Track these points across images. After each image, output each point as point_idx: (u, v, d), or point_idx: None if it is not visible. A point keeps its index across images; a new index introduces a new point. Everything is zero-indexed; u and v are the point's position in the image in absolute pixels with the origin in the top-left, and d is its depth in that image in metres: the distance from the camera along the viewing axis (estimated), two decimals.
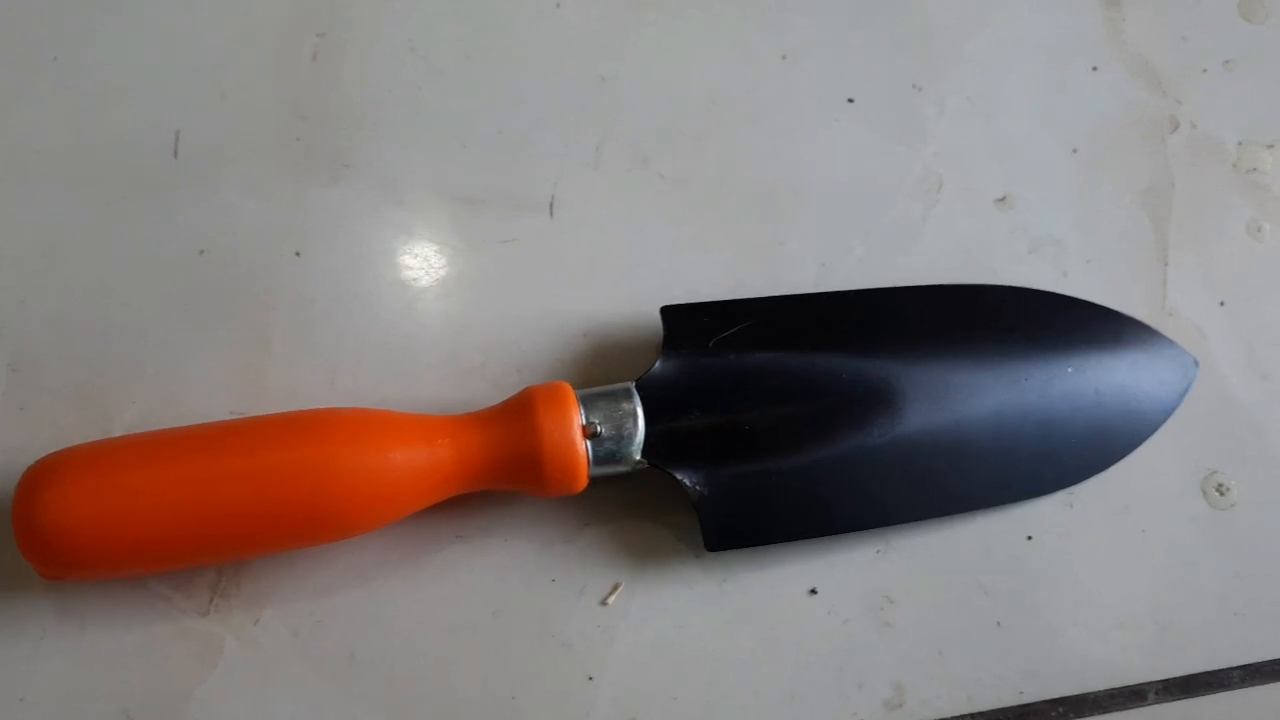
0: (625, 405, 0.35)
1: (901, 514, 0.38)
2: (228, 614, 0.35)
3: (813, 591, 0.37)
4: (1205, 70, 0.46)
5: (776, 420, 0.37)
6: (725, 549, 0.36)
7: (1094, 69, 0.46)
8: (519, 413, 0.34)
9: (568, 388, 0.34)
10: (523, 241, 0.41)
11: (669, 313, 0.37)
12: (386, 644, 0.35)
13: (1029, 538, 0.39)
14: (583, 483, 0.34)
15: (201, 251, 0.39)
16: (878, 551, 0.38)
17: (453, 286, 0.40)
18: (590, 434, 0.34)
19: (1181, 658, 0.38)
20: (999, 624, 0.38)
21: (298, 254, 0.39)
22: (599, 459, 0.34)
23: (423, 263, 0.40)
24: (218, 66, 0.41)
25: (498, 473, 0.34)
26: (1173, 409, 0.40)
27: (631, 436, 0.35)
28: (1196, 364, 0.41)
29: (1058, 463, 0.39)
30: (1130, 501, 0.40)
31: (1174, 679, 0.37)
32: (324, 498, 0.32)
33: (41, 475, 0.31)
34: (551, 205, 0.41)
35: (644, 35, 0.44)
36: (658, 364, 0.36)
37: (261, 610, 0.35)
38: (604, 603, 0.36)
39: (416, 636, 0.35)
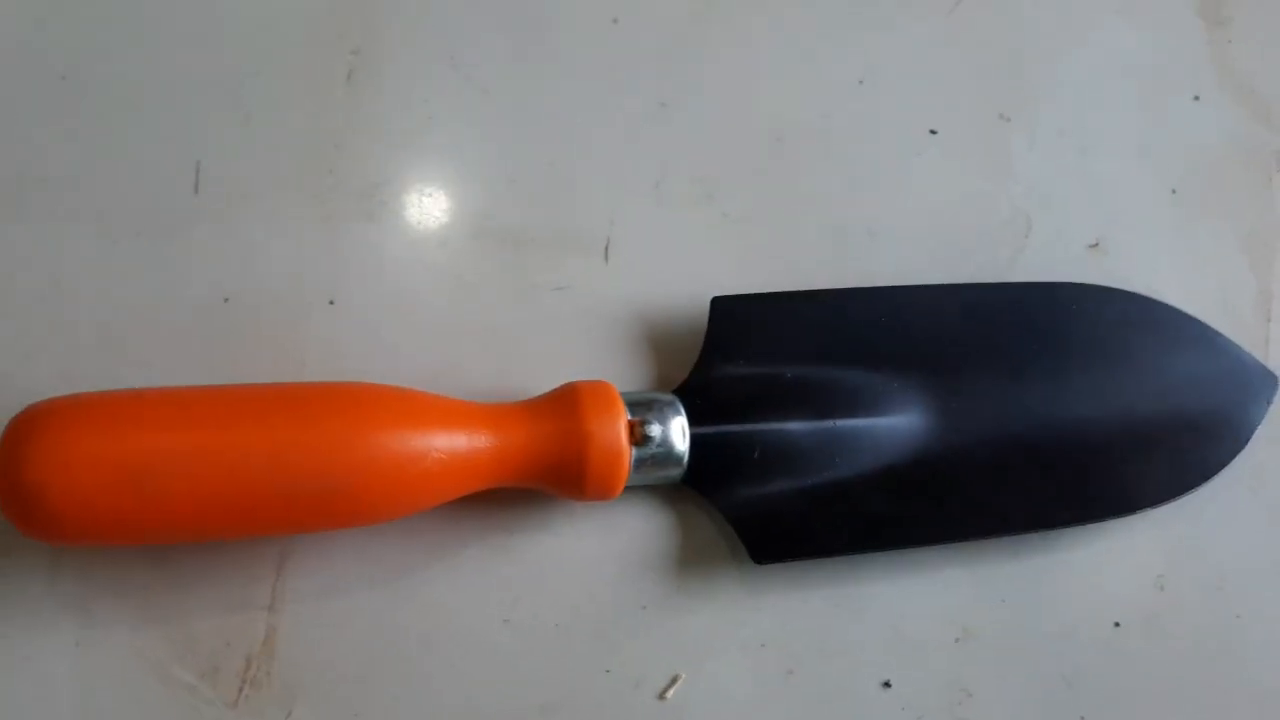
0: (671, 415, 0.33)
1: (965, 531, 0.36)
2: (259, 706, 0.33)
3: (886, 684, 0.35)
4: None
5: (823, 429, 0.35)
6: (772, 561, 0.34)
7: (1196, 98, 0.42)
8: (565, 407, 0.32)
9: (612, 387, 0.32)
10: (575, 288, 0.37)
11: (719, 304, 0.35)
12: None
13: (1116, 624, 0.36)
14: (620, 490, 0.32)
15: (226, 299, 0.36)
16: (956, 640, 0.35)
17: (499, 340, 0.37)
18: (638, 439, 0.32)
19: None
20: (1083, 718, 0.35)
21: (331, 302, 0.36)
22: (639, 467, 0.32)
23: (466, 312, 0.37)
24: (241, 88, 0.38)
25: (536, 468, 0.32)
26: (1256, 426, 0.38)
27: (675, 448, 0.33)
28: (1276, 379, 0.39)
29: (1139, 480, 0.37)
30: (1225, 582, 0.37)
31: None
32: (355, 475, 0.29)
33: (32, 421, 0.28)
34: (607, 247, 0.38)
35: (709, 56, 0.41)
36: (698, 364, 0.35)
37: (294, 702, 0.33)
38: (662, 697, 0.34)
39: None
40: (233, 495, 0.29)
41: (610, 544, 0.35)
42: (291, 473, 0.29)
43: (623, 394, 0.33)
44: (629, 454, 0.32)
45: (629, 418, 0.32)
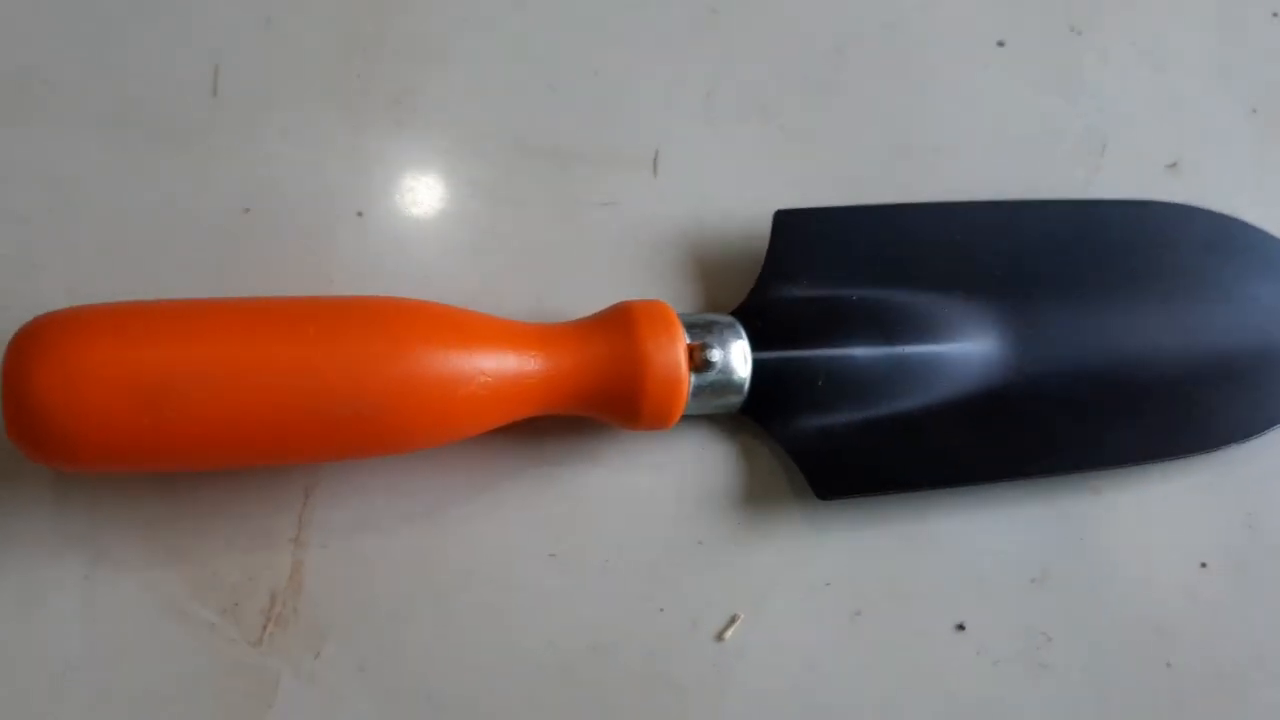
0: (731, 339, 0.31)
1: (1041, 467, 0.34)
2: (285, 644, 0.30)
3: (960, 627, 0.33)
4: None
5: (893, 355, 0.33)
6: (836, 497, 0.33)
7: (1275, 14, 0.41)
8: (619, 329, 0.30)
9: (669, 307, 0.31)
10: (622, 204, 0.35)
11: (781, 218, 0.33)
12: (468, 680, 0.31)
13: (1203, 565, 0.35)
14: (676, 418, 0.31)
15: (246, 210, 0.33)
16: (1033, 581, 0.33)
17: (540, 259, 0.35)
18: (698, 364, 0.30)
19: None
20: (1169, 665, 0.34)
21: (359, 214, 0.34)
22: (698, 395, 0.31)
23: (505, 228, 0.35)
24: None
25: (589, 394, 0.30)
26: None
27: (736, 374, 0.31)
28: None
29: (1224, 415, 0.35)
30: None
31: None
32: (394, 398, 0.27)
33: (38, 335, 0.26)
34: (655, 162, 0.36)
35: None
36: (758, 284, 0.33)
37: (323, 641, 0.31)
38: (720, 638, 0.31)
39: (502, 670, 0.31)
40: (258, 416, 0.26)
41: (664, 477, 0.33)
42: (323, 392, 0.26)
43: (679, 315, 0.31)
44: (688, 380, 0.30)
45: (688, 341, 0.30)
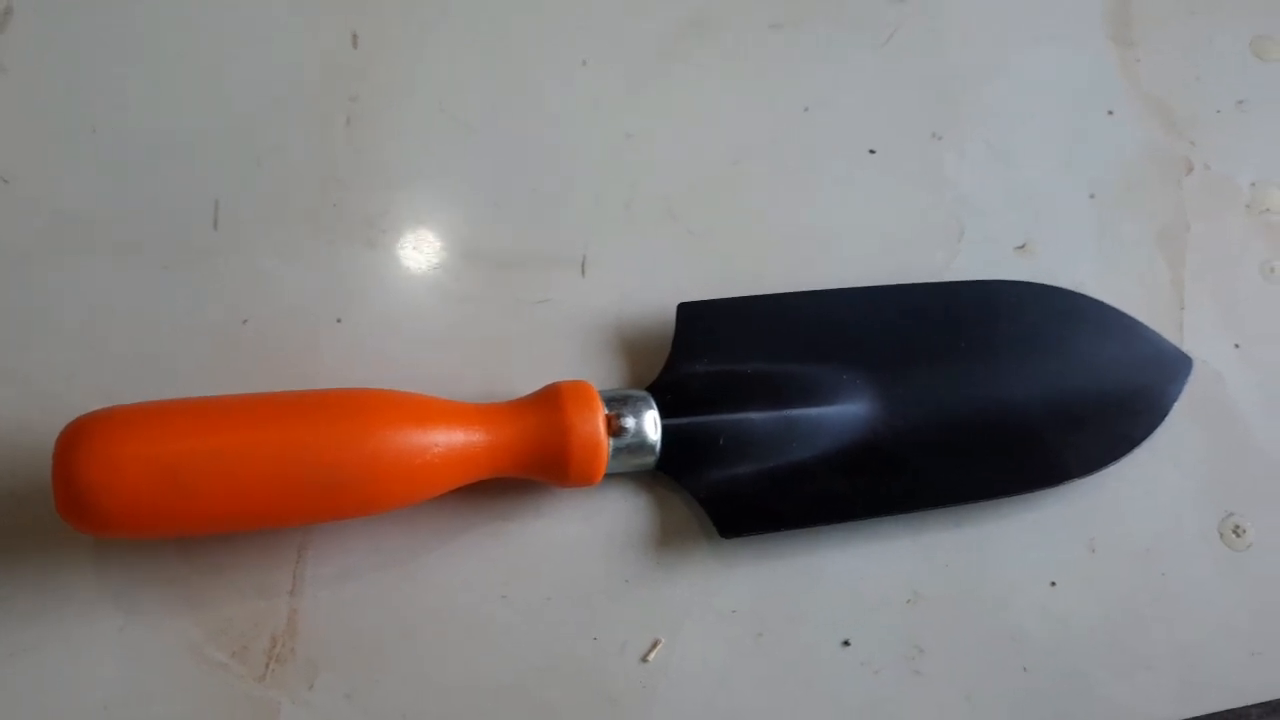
0: (644, 409, 0.37)
1: (911, 503, 0.39)
2: (284, 678, 0.36)
3: (845, 643, 0.38)
4: (1219, 111, 0.47)
5: (783, 417, 0.39)
6: (738, 536, 0.37)
7: (1110, 112, 0.47)
8: (548, 405, 0.35)
9: (590, 386, 0.36)
10: (556, 300, 0.41)
11: (684, 309, 0.39)
12: (438, 702, 0.36)
13: (1053, 583, 0.40)
14: (600, 476, 0.36)
15: (245, 320, 0.40)
16: (907, 602, 0.39)
17: (490, 349, 0.40)
18: (615, 430, 0.36)
19: (1204, 698, 0.39)
20: (1025, 669, 0.39)
21: (338, 320, 0.40)
22: (617, 456, 0.36)
23: (458, 324, 0.41)
24: (253, 134, 0.42)
25: (525, 459, 0.35)
26: (1172, 404, 0.42)
27: (649, 438, 0.37)
28: (1190, 361, 0.43)
29: (1068, 453, 0.40)
30: (1150, 544, 0.41)
31: (1198, 719, 0.39)
32: (365, 469, 0.33)
33: (81, 431, 0.31)
34: (584, 263, 0.42)
35: (669, 91, 0.45)
36: (668, 364, 0.39)
37: (316, 674, 0.36)
38: (644, 659, 0.37)
39: (465, 692, 0.36)
40: (257, 488, 0.32)
41: (594, 526, 0.38)
42: (309, 467, 0.32)
43: (600, 391, 0.37)
44: (607, 444, 0.36)
45: (606, 412, 0.36)
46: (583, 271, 0.42)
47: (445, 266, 0.42)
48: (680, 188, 0.44)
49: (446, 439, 0.34)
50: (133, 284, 0.40)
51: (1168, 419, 0.42)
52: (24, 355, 0.38)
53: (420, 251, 0.42)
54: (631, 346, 0.41)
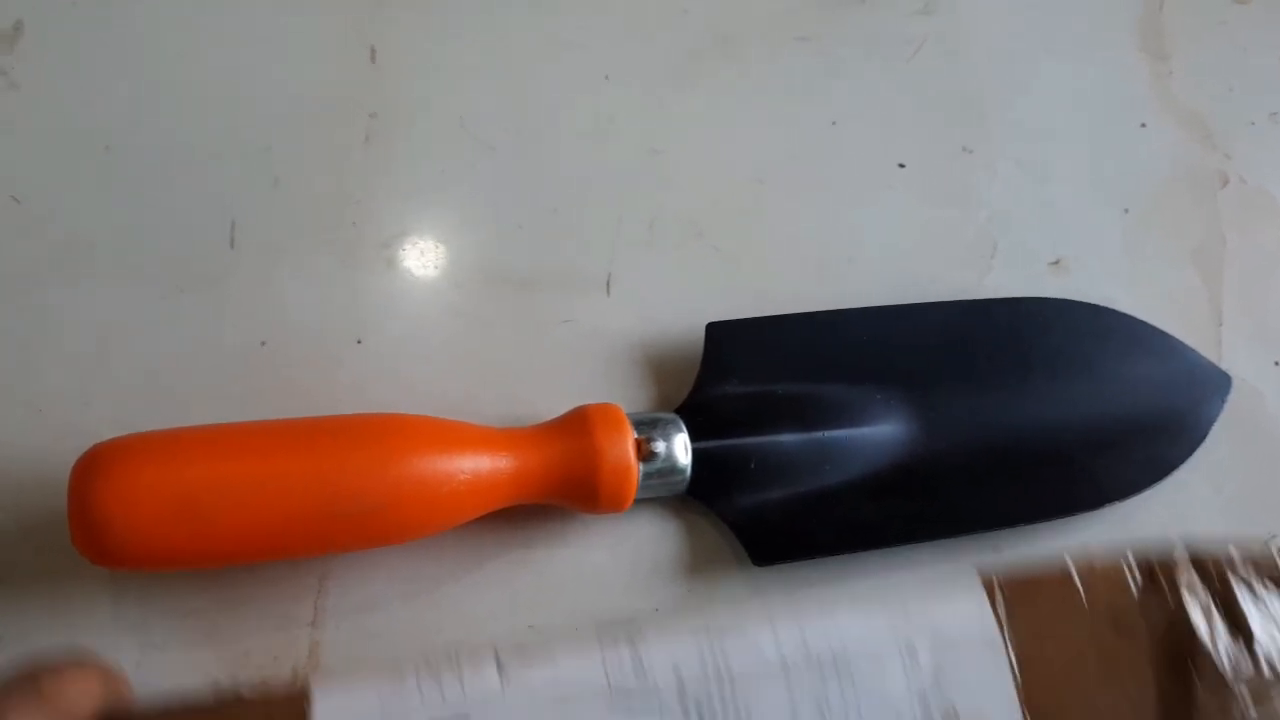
0: (674, 432, 0.36)
1: (947, 529, 0.38)
2: None
3: None
4: (1253, 123, 0.46)
5: (815, 439, 0.38)
6: (770, 563, 0.37)
7: (1142, 125, 0.46)
8: (577, 430, 0.35)
9: (619, 409, 0.35)
10: (580, 321, 0.41)
11: (713, 329, 0.38)
12: None
13: None
14: (630, 502, 0.35)
15: (263, 343, 0.39)
16: None
17: (512, 371, 0.40)
18: (645, 455, 0.35)
19: None
20: None
21: (359, 341, 0.39)
22: (647, 480, 0.35)
23: (481, 346, 0.40)
24: (270, 153, 0.41)
25: (553, 485, 0.34)
26: (1211, 424, 0.41)
27: (679, 462, 0.36)
28: (1229, 379, 0.42)
29: (1106, 477, 0.39)
30: None
31: None
32: (388, 497, 0.32)
33: (96, 460, 0.31)
34: (608, 283, 0.41)
35: (692, 107, 0.44)
36: (696, 385, 0.38)
37: None
38: None
39: None
40: (277, 518, 0.31)
41: (622, 553, 0.38)
42: (330, 496, 0.32)
43: (629, 414, 0.36)
44: (637, 469, 0.35)
45: (635, 436, 0.35)
46: (607, 291, 0.41)
47: (466, 287, 0.41)
48: (705, 205, 0.43)
49: (472, 465, 0.33)
50: (148, 306, 0.39)
51: (1207, 439, 0.41)
52: (37, 380, 0.38)
53: (441, 272, 0.41)
54: (658, 367, 0.40)
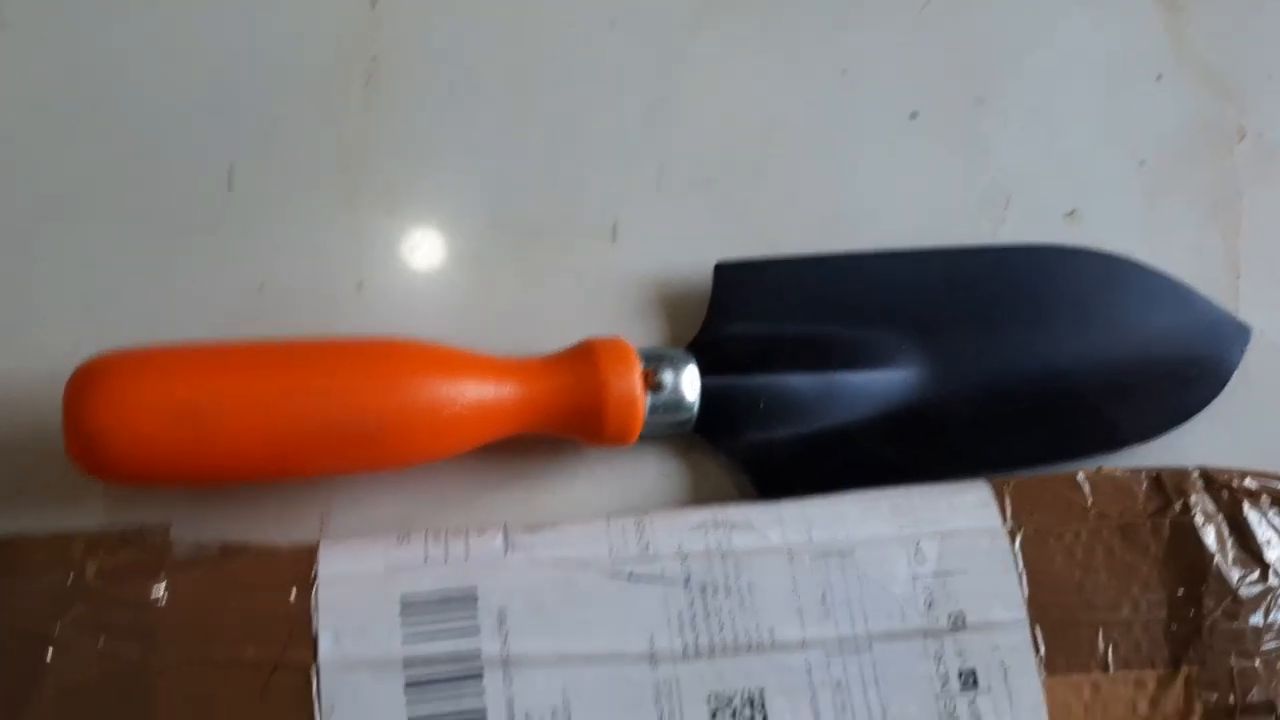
0: (682, 365, 0.35)
1: (954, 470, 0.37)
2: None
3: None
4: (1270, 76, 0.46)
5: (824, 380, 0.37)
6: (779, 497, 0.35)
7: (1158, 78, 0.45)
8: (583, 360, 0.34)
9: (626, 342, 0.35)
10: (586, 268, 0.40)
11: (722, 269, 0.38)
12: None
13: None
14: (636, 435, 0.34)
15: (260, 287, 0.38)
16: None
17: (516, 318, 0.39)
18: (651, 385, 0.34)
19: None
20: None
21: (359, 286, 0.39)
22: (653, 414, 0.35)
23: (484, 293, 0.39)
24: (268, 94, 0.41)
25: (558, 415, 0.34)
26: (1230, 373, 0.40)
27: (686, 396, 0.35)
28: (1248, 330, 0.41)
29: (1124, 420, 0.39)
30: None
31: None
32: (391, 418, 0.32)
33: (93, 372, 0.30)
34: (614, 230, 0.41)
35: (700, 55, 0.44)
36: (705, 325, 0.37)
37: None
38: None
39: None
40: (278, 435, 0.31)
41: (627, 490, 0.37)
42: (332, 414, 0.31)
43: (636, 349, 0.35)
44: (644, 400, 0.34)
45: (643, 367, 0.35)
46: (614, 237, 0.41)
47: (469, 233, 0.40)
48: (714, 153, 0.42)
49: (476, 392, 0.33)
50: (145, 249, 0.38)
51: (1225, 389, 0.40)
52: (32, 324, 0.37)
53: (443, 218, 0.40)
54: (666, 310, 0.40)
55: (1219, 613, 0.34)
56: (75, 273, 0.38)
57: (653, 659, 0.32)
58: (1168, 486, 0.35)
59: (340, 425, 0.31)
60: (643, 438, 0.35)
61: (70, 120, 0.40)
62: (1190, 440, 0.39)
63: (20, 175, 0.39)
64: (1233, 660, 0.34)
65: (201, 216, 0.39)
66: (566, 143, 0.42)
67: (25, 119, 0.40)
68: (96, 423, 0.29)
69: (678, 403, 0.35)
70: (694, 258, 0.40)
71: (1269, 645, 0.34)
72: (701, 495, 0.37)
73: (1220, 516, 0.35)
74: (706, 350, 0.37)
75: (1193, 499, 0.35)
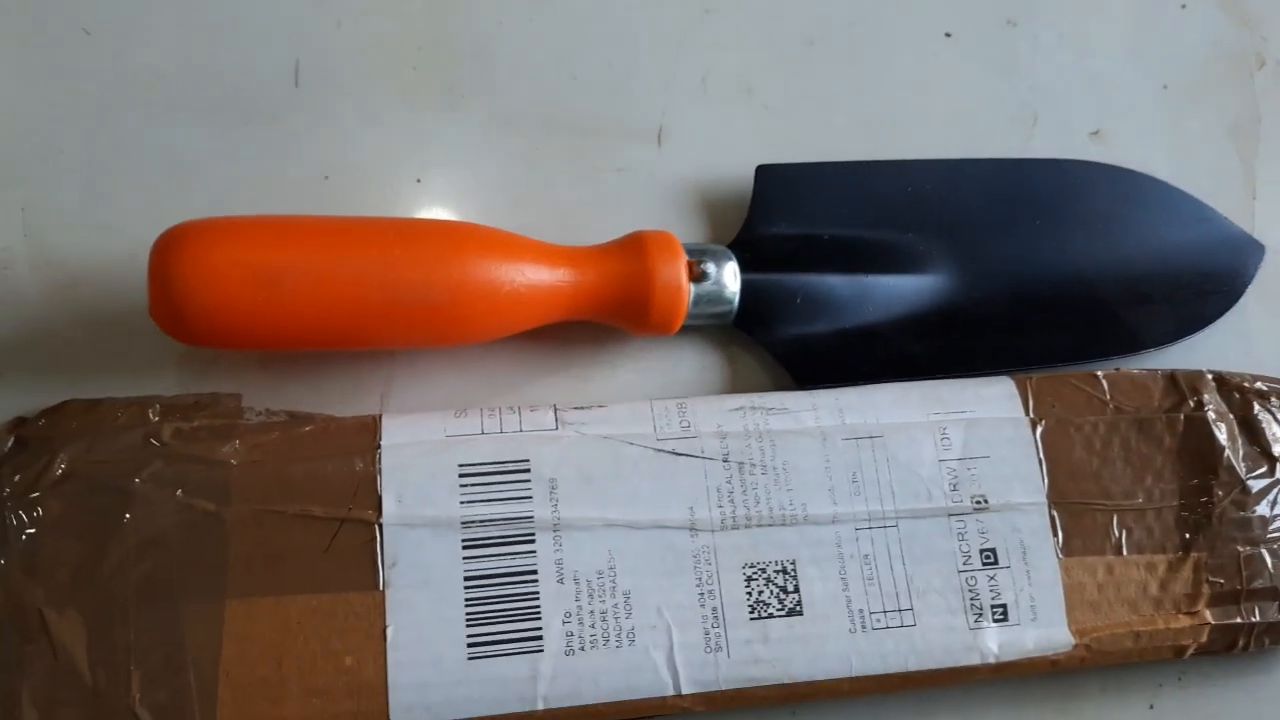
0: (724, 260, 0.37)
1: (983, 366, 0.39)
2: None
3: None
4: None
5: (859, 282, 0.39)
6: (814, 386, 0.38)
7: (1183, 6, 0.47)
8: (632, 249, 0.36)
9: (672, 235, 0.37)
10: (633, 169, 0.42)
11: (763, 172, 0.40)
12: None
13: (1150, 707, 0.37)
14: (679, 323, 0.36)
15: (326, 177, 0.40)
16: None
17: (566, 213, 0.41)
18: (695, 275, 0.36)
19: None
20: None
21: (418, 180, 0.40)
22: (696, 305, 0.37)
23: (536, 191, 0.41)
24: None
25: (608, 302, 0.36)
26: (1245, 287, 0.42)
27: (728, 288, 0.37)
28: (1262, 248, 0.43)
29: (1142, 326, 0.41)
30: None
31: None
32: (452, 294, 0.33)
33: (179, 236, 0.32)
34: (660, 135, 0.42)
35: None
36: (745, 224, 0.39)
37: None
38: None
39: None
40: (347, 303, 0.33)
41: (670, 378, 0.39)
42: (400, 287, 0.33)
43: (682, 244, 0.37)
44: (688, 290, 0.36)
45: (687, 259, 0.37)
46: (659, 142, 0.42)
47: (523, 132, 0.42)
48: (756, 64, 0.44)
49: (532, 274, 0.35)
50: (214, 139, 0.40)
51: (1239, 303, 0.42)
52: (110, 204, 0.39)
53: (499, 117, 0.42)
54: (708, 210, 0.41)
55: (1228, 502, 0.36)
56: (151, 160, 0.40)
57: (693, 528, 0.34)
58: (1183, 385, 0.37)
59: (406, 297, 0.33)
60: (684, 329, 0.37)
61: (144, 14, 0.41)
62: (1204, 350, 0.41)
63: (97, 63, 0.41)
64: (1240, 547, 0.36)
65: (270, 109, 0.41)
66: (617, 48, 0.43)
67: (102, 11, 0.41)
68: (180, 283, 0.31)
69: (719, 294, 0.37)
70: (736, 161, 0.41)
71: (1275, 534, 0.36)
72: (739, 387, 0.39)
73: (1231, 415, 0.37)
74: (747, 248, 0.38)
75: (1206, 397, 0.37)
